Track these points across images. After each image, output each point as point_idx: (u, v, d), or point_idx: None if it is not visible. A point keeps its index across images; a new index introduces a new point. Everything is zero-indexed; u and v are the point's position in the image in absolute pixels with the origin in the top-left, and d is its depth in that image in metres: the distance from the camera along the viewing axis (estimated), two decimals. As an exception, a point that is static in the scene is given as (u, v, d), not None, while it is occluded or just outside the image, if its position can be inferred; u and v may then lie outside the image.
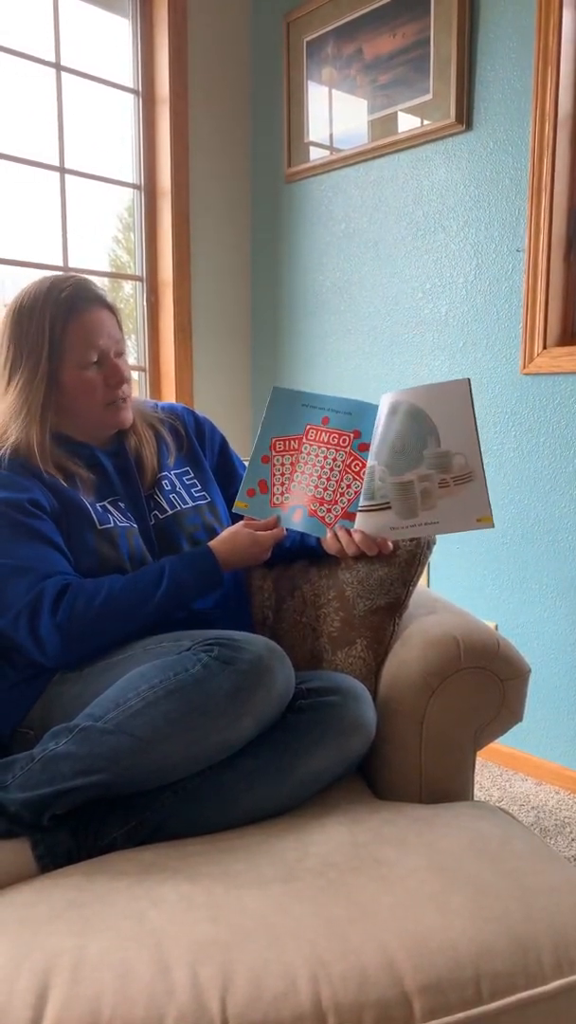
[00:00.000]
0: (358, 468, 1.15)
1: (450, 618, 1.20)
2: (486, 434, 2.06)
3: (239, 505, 1.24)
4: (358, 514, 1.15)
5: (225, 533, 1.21)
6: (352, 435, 1.16)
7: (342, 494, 1.16)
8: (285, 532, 1.22)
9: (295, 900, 0.81)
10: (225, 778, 0.99)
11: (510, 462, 2.02)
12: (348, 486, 1.16)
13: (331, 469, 1.17)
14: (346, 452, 1.16)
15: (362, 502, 1.14)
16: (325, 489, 1.18)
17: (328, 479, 1.17)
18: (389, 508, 1.12)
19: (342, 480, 1.16)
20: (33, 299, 1.17)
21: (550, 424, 1.93)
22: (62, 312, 1.16)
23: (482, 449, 2.06)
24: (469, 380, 1.06)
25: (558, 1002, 0.74)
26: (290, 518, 1.21)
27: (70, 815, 0.97)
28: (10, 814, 0.95)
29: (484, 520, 1.08)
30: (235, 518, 1.31)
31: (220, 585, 1.18)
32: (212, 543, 1.20)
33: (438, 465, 1.08)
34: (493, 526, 1.07)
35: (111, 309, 1.23)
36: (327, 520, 1.17)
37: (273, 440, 1.22)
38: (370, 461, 1.14)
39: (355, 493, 1.15)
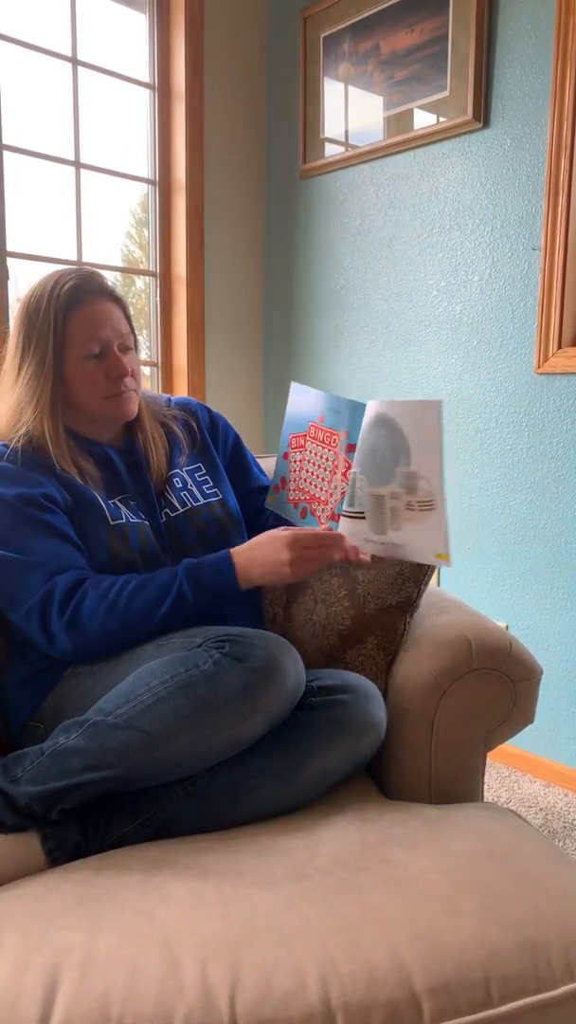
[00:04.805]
0: (344, 469, 1.13)
1: (462, 618, 1.20)
2: (500, 433, 2.05)
3: (268, 500, 1.27)
4: (341, 517, 1.12)
5: (258, 538, 1.12)
6: (342, 434, 1.14)
7: (331, 494, 1.15)
8: (344, 550, 1.10)
9: (304, 899, 0.81)
10: (235, 775, 0.98)
11: (523, 462, 2.01)
12: (336, 486, 1.15)
13: (324, 468, 1.16)
14: (335, 452, 1.15)
15: (344, 506, 1.12)
16: (321, 488, 1.17)
17: (323, 478, 1.17)
18: (364, 518, 1.10)
19: (332, 479, 1.15)
20: (41, 291, 1.18)
21: (564, 424, 1.92)
22: (64, 303, 1.16)
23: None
24: (441, 402, 1.01)
25: (567, 1007, 0.73)
26: (297, 515, 1.21)
27: (79, 810, 0.97)
28: (20, 807, 0.95)
29: (441, 556, 1.03)
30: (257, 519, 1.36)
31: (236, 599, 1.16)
32: (234, 550, 1.13)
33: (406, 485, 1.04)
34: (450, 565, 1.05)
35: (118, 302, 1.22)
36: (321, 519, 1.17)
37: (291, 436, 1.22)
38: (354, 467, 1.11)
39: (341, 494, 1.13)
